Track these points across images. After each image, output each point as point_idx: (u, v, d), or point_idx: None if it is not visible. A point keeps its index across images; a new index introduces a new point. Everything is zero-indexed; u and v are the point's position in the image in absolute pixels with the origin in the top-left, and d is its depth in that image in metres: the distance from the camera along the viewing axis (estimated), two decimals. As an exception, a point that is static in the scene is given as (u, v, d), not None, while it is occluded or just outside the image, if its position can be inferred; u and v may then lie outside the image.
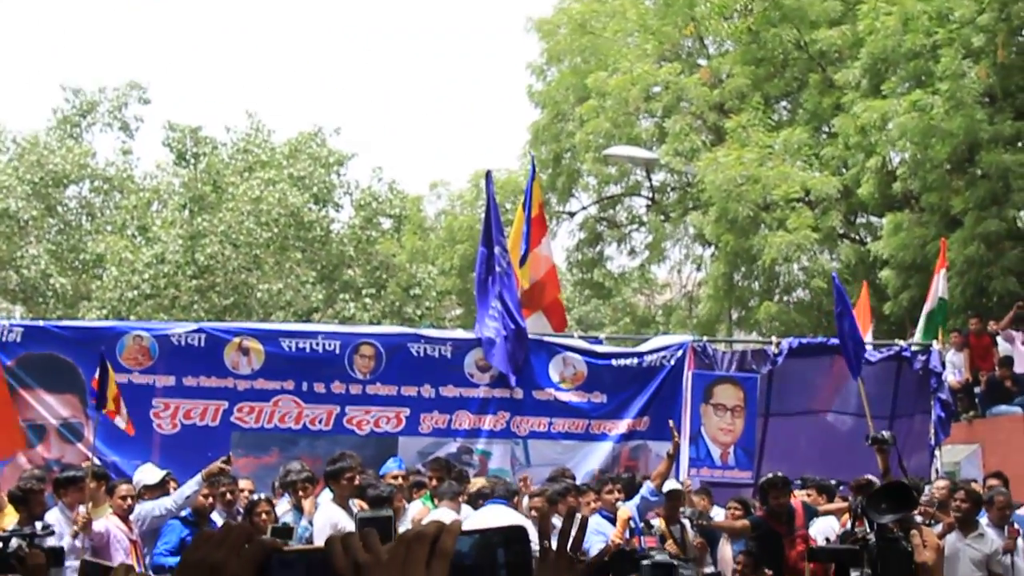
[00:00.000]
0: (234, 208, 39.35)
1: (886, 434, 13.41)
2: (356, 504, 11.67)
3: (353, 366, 15.69)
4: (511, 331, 15.78)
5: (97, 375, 13.12)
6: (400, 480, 13.48)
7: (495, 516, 11.36)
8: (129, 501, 12.37)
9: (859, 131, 26.71)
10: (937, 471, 17.00)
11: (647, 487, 13.67)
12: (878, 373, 17.23)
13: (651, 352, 16.74)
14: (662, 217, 33.77)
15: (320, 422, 15.51)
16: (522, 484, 14.42)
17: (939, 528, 12.44)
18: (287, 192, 39.73)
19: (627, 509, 13.24)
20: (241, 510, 12.86)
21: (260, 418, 15.42)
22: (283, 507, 13.02)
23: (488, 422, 15.89)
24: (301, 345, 15.73)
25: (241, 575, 2.01)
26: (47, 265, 40.03)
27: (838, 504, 14.60)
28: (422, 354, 15.97)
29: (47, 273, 39.89)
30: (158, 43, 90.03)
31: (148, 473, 13.07)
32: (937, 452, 17.44)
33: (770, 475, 13.69)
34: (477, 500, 12.87)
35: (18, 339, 15.22)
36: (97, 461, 13.17)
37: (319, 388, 15.59)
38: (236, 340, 15.57)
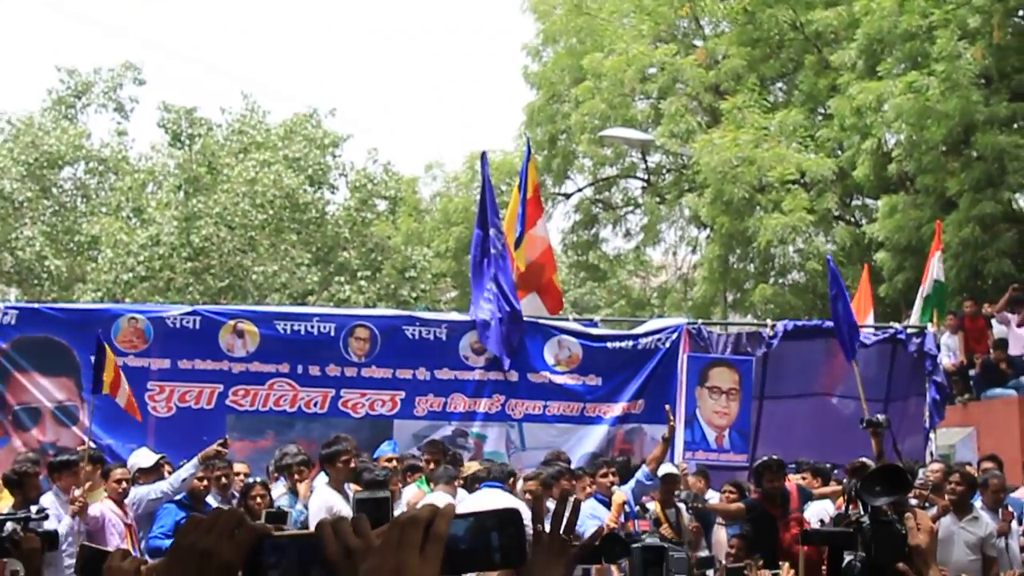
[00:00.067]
0: (229, 190, 39.31)
1: (881, 417, 13.44)
2: (351, 488, 11.67)
3: (348, 349, 15.68)
4: (506, 313, 15.77)
5: (94, 359, 13.13)
6: (394, 463, 13.48)
7: (490, 499, 11.38)
8: (124, 485, 12.36)
9: (855, 113, 26.71)
10: (932, 454, 17.02)
11: (642, 471, 13.69)
12: (873, 356, 17.25)
13: (646, 335, 16.73)
14: (657, 199, 33.73)
15: (315, 405, 15.50)
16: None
17: (933, 511, 12.44)
18: (282, 174, 39.68)
19: (622, 493, 13.26)
20: (236, 494, 12.87)
21: (255, 401, 15.41)
22: (279, 490, 13.03)
23: (483, 405, 15.88)
24: (296, 328, 15.72)
25: (232, 560, 2.01)
26: (42, 247, 39.98)
27: (833, 487, 14.63)
28: (417, 337, 15.96)
29: (42, 255, 39.84)
30: (153, 24, 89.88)
31: (143, 457, 13.07)
32: (932, 435, 17.45)
33: (764, 458, 13.71)
34: (473, 484, 12.89)
35: (13, 322, 15.18)
36: (92, 444, 13.17)
37: (314, 371, 15.57)
38: (231, 323, 15.55)
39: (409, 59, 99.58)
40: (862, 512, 5.19)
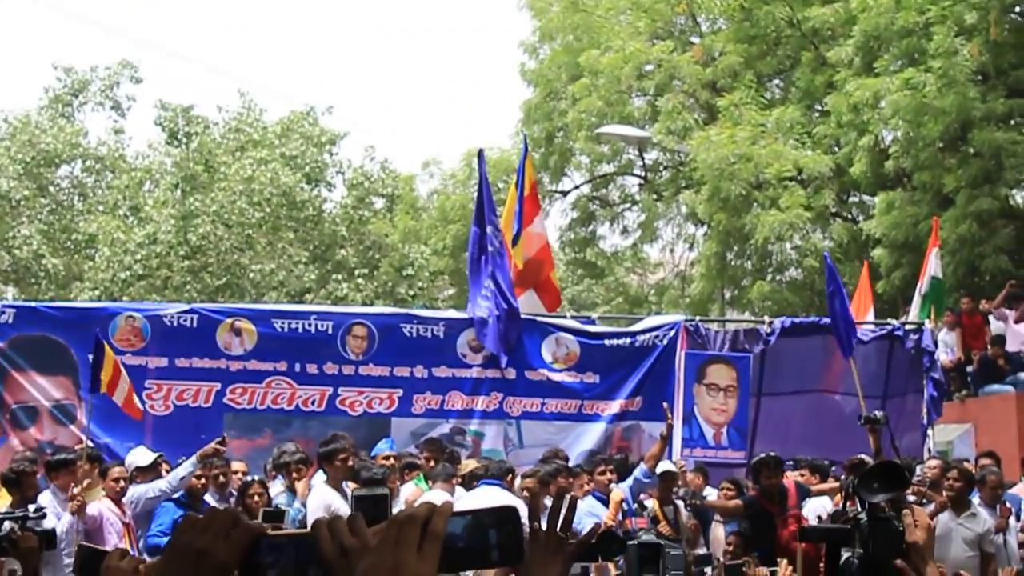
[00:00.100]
0: (226, 188, 39.29)
1: (878, 414, 13.44)
2: (349, 486, 11.67)
3: (346, 347, 15.69)
4: (503, 311, 15.77)
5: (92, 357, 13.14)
6: (392, 461, 13.47)
7: (488, 497, 11.38)
8: (122, 484, 12.36)
9: (851, 109, 26.70)
10: (929, 450, 17.03)
11: (640, 469, 13.69)
12: (870, 352, 17.26)
13: (644, 332, 16.73)
14: (654, 196, 33.73)
15: (313, 403, 15.51)
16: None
17: (931, 508, 12.45)
18: (279, 172, 39.66)
19: (620, 491, 13.27)
20: (234, 492, 12.88)
21: (253, 399, 15.41)
22: (276, 489, 13.04)
23: (481, 403, 15.88)
24: (294, 326, 15.72)
25: (227, 560, 2.01)
26: (39, 245, 39.93)
27: (831, 484, 14.64)
28: (415, 334, 15.96)
29: (39, 253, 39.80)
30: (150, 22, 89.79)
31: (140, 455, 13.06)
32: (929, 431, 17.46)
33: (762, 455, 13.72)
34: (471, 482, 12.89)
35: (10, 320, 15.19)
36: (90, 443, 13.16)
37: (312, 369, 15.57)
38: (228, 321, 15.55)
39: (406, 57, 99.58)
40: (859, 509, 5.19)
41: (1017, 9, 26.77)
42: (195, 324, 15.49)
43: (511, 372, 15.99)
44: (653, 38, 32.43)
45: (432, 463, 13.65)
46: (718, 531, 14.11)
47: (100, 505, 11.98)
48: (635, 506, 13.29)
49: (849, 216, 30.64)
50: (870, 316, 19.37)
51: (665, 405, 14.89)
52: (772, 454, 13.54)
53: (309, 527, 2.09)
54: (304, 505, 12.14)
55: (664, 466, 13.64)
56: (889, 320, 19.10)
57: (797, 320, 18.25)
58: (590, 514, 12.25)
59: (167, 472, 12.74)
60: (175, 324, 15.43)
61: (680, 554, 8.60)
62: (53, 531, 9.04)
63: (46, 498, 11.67)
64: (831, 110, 28.07)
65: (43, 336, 15.11)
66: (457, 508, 2.13)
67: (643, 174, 35.43)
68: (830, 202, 28.98)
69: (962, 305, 22.97)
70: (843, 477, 13.43)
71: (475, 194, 18.40)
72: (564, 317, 17.69)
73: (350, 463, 11.97)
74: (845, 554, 5.24)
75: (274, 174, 39.46)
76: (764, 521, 12.90)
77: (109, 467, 12.67)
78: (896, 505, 5.22)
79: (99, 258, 39.25)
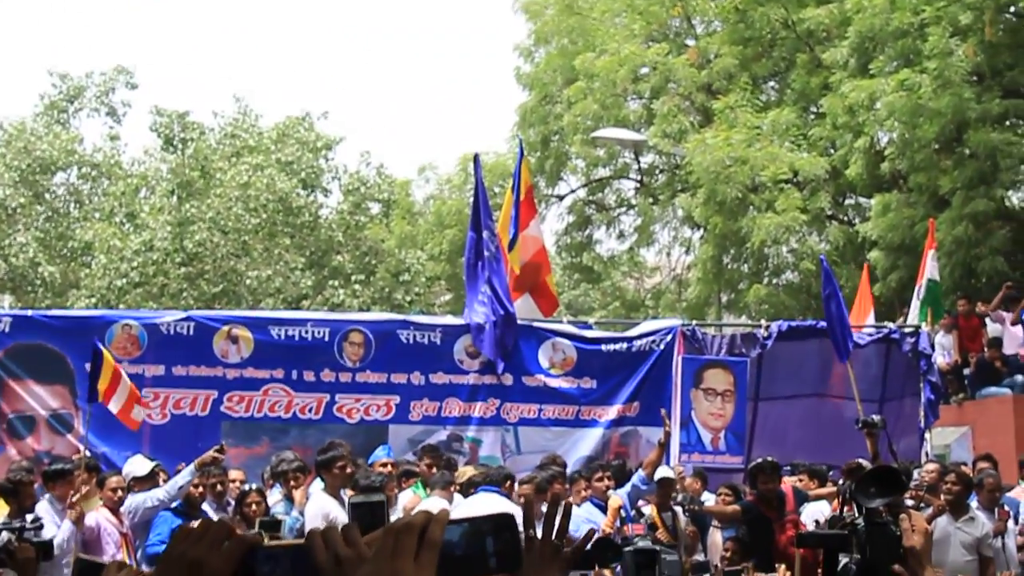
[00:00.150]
0: (222, 194, 39.27)
1: (876, 418, 13.43)
2: (347, 494, 11.65)
3: (342, 353, 15.68)
4: (500, 316, 15.77)
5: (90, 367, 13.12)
6: (389, 468, 13.46)
7: (485, 504, 11.35)
8: (119, 493, 12.34)
9: (847, 111, 26.71)
10: (927, 454, 17.04)
11: (638, 476, 13.68)
12: (867, 356, 17.27)
13: (640, 337, 16.73)
14: (651, 200, 33.71)
15: (310, 411, 15.50)
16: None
17: (929, 512, 12.45)
18: (275, 177, 39.63)
19: (618, 497, 13.25)
20: (231, 501, 12.85)
21: (250, 407, 15.40)
22: (274, 497, 13.01)
23: (478, 409, 15.88)
24: (290, 333, 15.72)
25: (221, 570, 2.01)
26: (35, 253, 39.89)
27: (829, 488, 14.62)
28: (411, 341, 15.96)
29: (35, 261, 39.76)
30: (145, 27, 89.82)
31: (138, 464, 13.02)
32: (927, 435, 17.47)
33: (759, 460, 13.71)
34: (468, 488, 12.88)
35: (6, 329, 15.19)
36: (88, 453, 13.15)
37: (309, 376, 15.57)
38: (225, 328, 15.55)
39: (401, 61, 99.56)
40: (857, 514, 5.20)
41: (1012, 9, 26.78)
42: (192, 332, 15.49)
43: (508, 378, 15.99)
44: (648, 41, 32.44)
45: (434, 470, 13.65)
46: (716, 537, 14.10)
47: (98, 515, 11.96)
48: (633, 513, 13.27)
49: (845, 218, 30.66)
50: (870, 319, 19.38)
51: (663, 412, 14.90)
52: (769, 459, 13.53)
53: (306, 536, 2.08)
54: (302, 514, 12.11)
55: (662, 472, 13.62)
56: (886, 323, 19.08)
57: (794, 324, 18.24)
58: (588, 521, 12.22)
59: (164, 481, 12.71)
60: (172, 332, 15.43)
61: (676, 560, 8.61)
62: (50, 542, 9.03)
63: (43, 508, 11.64)
64: (827, 112, 28.08)
65: (39, 345, 15.10)
66: (455, 515, 2.13)
67: (639, 178, 35.43)
68: (826, 205, 28.99)
69: (958, 307, 22.96)
70: (841, 482, 13.42)
71: (471, 199, 18.41)
72: (561, 322, 17.70)
73: (348, 471, 11.96)
74: (843, 559, 5.25)
75: (270, 180, 39.43)
76: (762, 526, 12.88)
77: (107, 477, 12.65)
78: (893, 510, 5.22)
79: (95, 265, 39.21)
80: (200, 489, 12.37)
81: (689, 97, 31.54)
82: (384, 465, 13.51)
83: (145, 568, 10.92)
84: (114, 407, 13.37)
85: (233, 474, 13.56)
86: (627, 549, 6.15)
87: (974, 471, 14.43)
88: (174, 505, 12.16)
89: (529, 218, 17.48)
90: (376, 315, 23.38)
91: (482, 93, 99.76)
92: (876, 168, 26.75)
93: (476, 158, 18.29)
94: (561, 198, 35.76)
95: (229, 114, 43.26)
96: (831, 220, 30.01)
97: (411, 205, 39.01)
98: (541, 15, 34.66)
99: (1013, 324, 22.23)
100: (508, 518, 2.18)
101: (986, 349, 22.22)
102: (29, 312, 17.10)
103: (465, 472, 13.71)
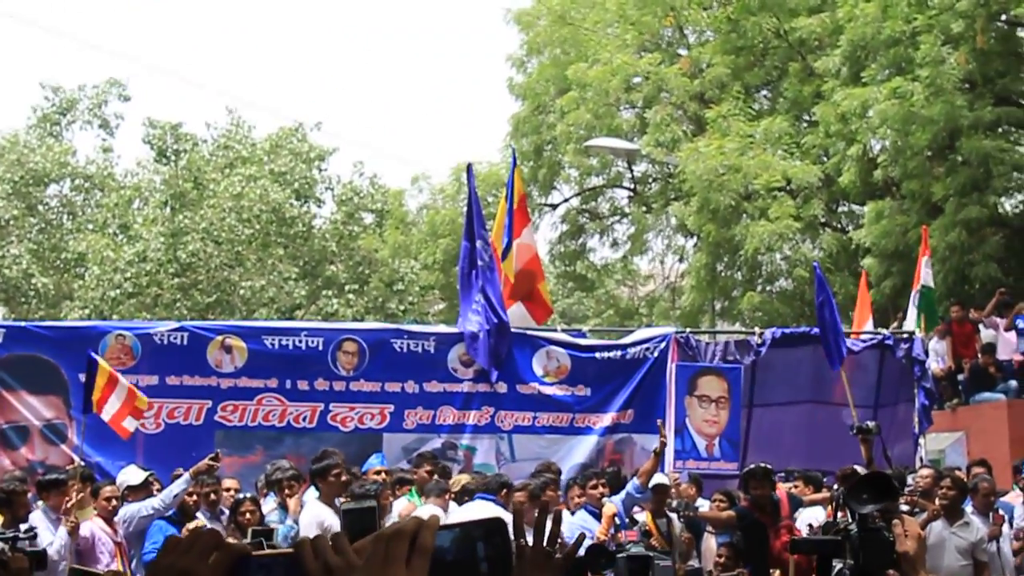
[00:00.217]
0: (215, 205, 39.26)
1: (870, 424, 13.43)
2: (341, 502, 11.63)
3: (336, 363, 15.68)
4: (494, 325, 15.76)
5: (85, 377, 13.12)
6: (383, 476, 13.45)
7: (479, 512, 11.34)
8: (114, 503, 12.33)
9: (840, 119, 26.74)
10: (921, 459, 17.05)
11: (632, 484, 13.66)
12: (861, 362, 17.27)
13: (634, 344, 16.73)
14: (644, 208, 33.74)
15: (304, 420, 15.49)
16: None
17: (923, 517, 12.45)
18: (268, 188, 39.63)
19: (612, 505, 13.24)
20: (225, 509, 12.84)
21: (244, 416, 15.39)
22: (269, 506, 13.00)
23: (472, 417, 15.88)
24: (284, 342, 15.71)
25: (210, 580, 2.00)
26: (28, 265, 39.87)
27: (824, 494, 14.63)
28: (405, 350, 15.96)
29: (29, 273, 39.74)
30: (138, 40, 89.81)
31: (132, 474, 13.01)
32: (921, 440, 17.48)
33: (752, 466, 13.72)
34: (462, 496, 12.87)
35: (0, 340, 15.17)
36: (81, 463, 13.13)
37: (303, 385, 15.56)
38: (219, 338, 15.55)
39: (394, 72, 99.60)
40: (850, 520, 5.20)
41: (1003, 17, 26.81)
42: (185, 342, 15.49)
43: (502, 386, 15.98)
44: (641, 51, 32.45)
45: (435, 477, 13.63)
46: (710, 543, 14.10)
47: (92, 525, 11.95)
48: (627, 520, 13.26)
49: (838, 226, 30.69)
50: (868, 325, 19.41)
51: (660, 422, 14.90)
52: (761, 465, 13.53)
53: (295, 545, 2.08)
54: (296, 522, 12.10)
55: (657, 479, 13.62)
56: (880, 330, 19.10)
57: (788, 330, 18.26)
58: (583, 528, 12.22)
59: (158, 491, 12.70)
60: (165, 342, 15.43)
61: (670, 566, 8.61)
62: (44, 551, 9.02)
63: (37, 517, 11.63)
64: (819, 120, 28.12)
65: (33, 356, 15.10)
66: (444, 522, 2.13)
67: (632, 186, 35.45)
68: (819, 212, 29.02)
69: (952, 314, 22.97)
70: (835, 487, 13.42)
71: (464, 208, 18.40)
72: (555, 330, 17.69)
73: (343, 479, 11.94)
74: (837, 565, 5.25)
75: (263, 190, 39.43)
76: (757, 532, 12.88)
77: (101, 486, 12.64)
78: (886, 515, 5.23)
79: (89, 277, 39.18)
80: (194, 498, 12.37)
81: (682, 106, 31.56)
82: (378, 473, 13.50)
83: (142, 577, 10.92)
84: (106, 415, 13.34)
85: (227, 483, 13.53)
86: (620, 555, 6.15)
87: (968, 476, 14.43)
88: (168, 514, 12.15)
89: (522, 226, 17.47)
90: (370, 324, 23.37)
91: (475, 103, 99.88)
92: (869, 175, 26.79)
93: (469, 168, 18.29)
94: (554, 207, 35.76)
95: (222, 125, 43.34)
96: (824, 227, 30.05)
97: (404, 215, 38.99)
98: (534, 26, 34.67)
99: (1007, 330, 22.26)
100: (498, 523, 2.18)
101: (980, 355, 22.25)
102: (23, 323, 17.09)
103: (460, 480, 13.70)
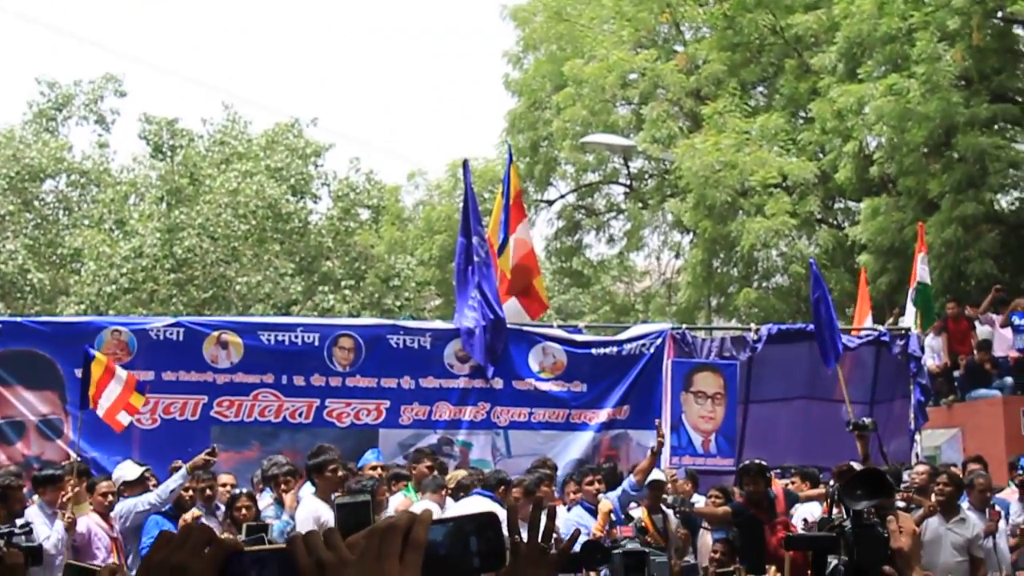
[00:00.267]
0: (211, 201, 39.22)
1: (867, 420, 13.45)
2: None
3: (332, 358, 15.68)
4: (490, 321, 15.76)
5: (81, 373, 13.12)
6: (379, 471, 13.45)
7: (474, 507, 11.34)
8: (110, 498, 12.34)
9: (836, 116, 26.76)
10: (917, 456, 17.06)
11: (628, 482, 13.64)
12: (857, 359, 17.28)
13: (630, 340, 16.74)
14: (640, 204, 33.75)
15: (300, 415, 15.49)
16: None
17: (919, 513, 12.45)
18: (264, 184, 39.60)
19: (608, 501, 13.23)
20: (221, 505, 12.85)
21: (240, 412, 15.39)
22: (265, 501, 13.00)
23: (468, 413, 15.88)
24: (280, 338, 15.71)
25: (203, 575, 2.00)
26: (24, 260, 39.81)
27: (821, 490, 14.63)
28: (401, 345, 15.97)
29: (24, 268, 39.68)
30: (133, 35, 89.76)
31: (127, 469, 13.03)
32: (917, 437, 17.50)
33: (746, 462, 13.72)
34: (458, 492, 12.88)
35: (-4, 335, 15.19)
36: (77, 458, 13.14)
37: (299, 381, 15.56)
38: (215, 334, 15.54)
39: (390, 68, 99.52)
40: (845, 516, 5.20)
41: (999, 14, 26.81)
42: (181, 337, 15.48)
43: (498, 382, 15.99)
44: (637, 47, 32.45)
45: (435, 472, 13.63)
46: (706, 539, 14.10)
47: (88, 520, 11.96)
48: (623, 517, 13.26)
49: (834, 222, 30.69)
50: (868, 322, 19.44)
51: (658, 421, 14.91)
52: (755, 461, 13.53)
53: (287, 541, 2.08)
54: (292, 517, 12.10)
55: (653, 475, 13.61)
56: (876, 326, 19.11)
57: (784, 327, 18.26)
58: (578, 524, 12.22)
59: (154, 486, 12.71)
60: (161, 338, 15.42)
61: (665, 562, 8.61)
62: (39, 547, 9.02)
63: (34, 512, 11.64)
64: (815, 117, 28.13)
65: (29, 351, 15.09)
66: (437, 516, 2.13)
67: (628, 183, 35.46)
68: (815, 208, 29.03)
69: (948, 310, 22.97)
70: (831, 484, 13.43)
71: (460, 204, 18.41)
72: (551, 326, 17.70)
73: (340, 474, 11.95)
74: (832, 561, 5.25)
75: (259, 186, 39.40)
76: (753, 528, 12.88)
77: (97, 481, 12.65)
78: (881, 511, 5.22)
79: (85, 272, 39.14)
80: (190, 493, 12.38)
81: (678, 103, 31.56)
82: (374, 468, 13.50)
83: (137, 573, 10.90)
84: (101, 409, 13.34)
85: (224, 478, 13.56)
86: (616, 551, 6.15)
87: (964, 473, 14.45)
88: (165, 509, 12.16)
89: (518, 222, 17.47)
90: (366, 320, 23.35)
91: (471, 99, 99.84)
92: (865, 172, 26.80)
93: (465, 164, 18.30)
94: (551, 203, 35.79)
95: (218, 121, 43.29)
96: (820, 224, 30.07)
97: (400, 211, 39.02)
98: (530, 22, 34.68)
99: (1002, 326, 22.26)
100: (491, 517, 2.19)
101: (976, 351, 22.25)
102: (19, 319, 17.08)
103: (456, 476, 13.71)
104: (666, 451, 15.43)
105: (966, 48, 25.27)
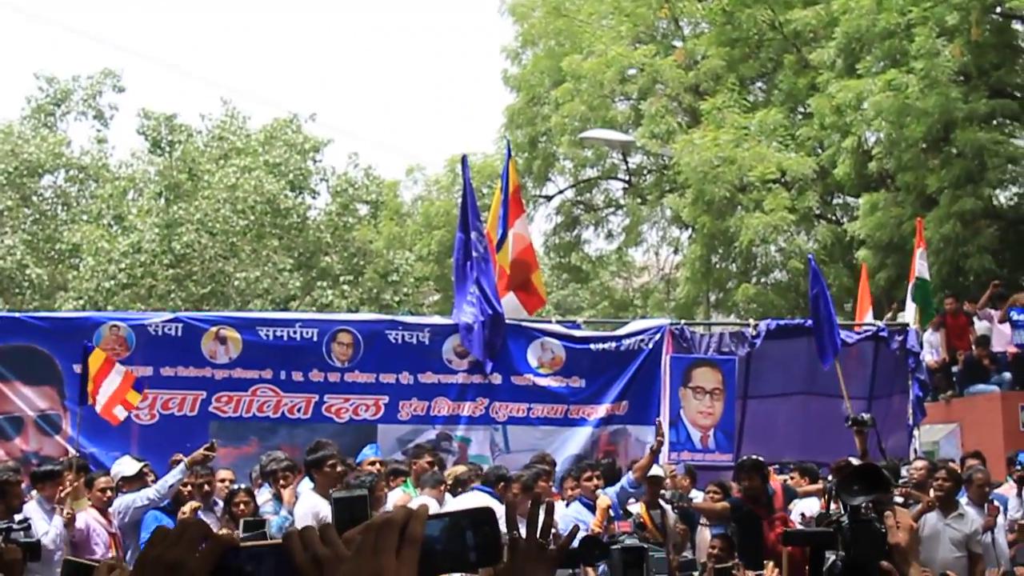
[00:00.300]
0: (210, 196, 39.20)
1: (866, 416, 13.46)
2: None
3: (331, 354, 15.67)
4: (488, 316, 15.76)
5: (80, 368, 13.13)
6: (378, 467, 13.45)
7: (471, 502, 11.34)
8: (108, 494, 12.34)
9: (834, 111, 26.74)
10: (915, 451, 17.08)
11: (627, 479, 13.65)
12: (856, 354, 17.29)
13: (629, 336, 16.74)
14: (639, 200, 33.73)
15: (299, 411, 15.49)
16: None
17: (917, 508, 12.46)
18: (263, 179, 39.57)
19: (607, 497, 13.23)
20: (219, 500, 12.85)
21: (238, 407, 15.39)
22: (263, 496, 12.99)
23: (467, 408, 15.88)
24: (279, 333, 15.70)
25: (199, 572, 2.00)
26: (23, 255, 39.79)
27: (819, 486, 14.65)
28: (400, 341, 15.95)
29: (23, 264, 39.66)
30: (132, 30, 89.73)
31: (126, 465, 13.02)
32: (915, 432, 17.51)
33: (743, 458, 13.73)
34: (456, 487, 12.88)
35: (-5, 331, 15.18)
36: (75, 453, 13.14)
37: (297, 376, 15.56)
38: (213, 329, 15.53)
39: (388, 63, 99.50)
40: (842, 511, 5.19)
41: (998, 10, 26.82)
42: (180, 333, 15.46)
43: (497, 377, 15.99)
44: (635, 42, 32.44)
45: (438, 468, 13.62)
46: (705, 534, 14.10)
47: (87, 516, 11.96)
48: (621, 512, 13.27)
49: (833, 218, 30.70)
50: (869, 317, 19.44)
51: (659, 421, 14.92)
52: (752, 457, 13.53)
53: (283, 537, 2.08)
54: (291, 513, 12.10)
55: (651, 469, 13.61)
56: (874, 321, 19.12)
57: (782, 322, 18.28)
58: (577, 519, 12.22)
59: (153, 481, 12.71)
60: (160, 333, 15.40)
61: (664, 558, 8.60)
62: (37, 542, 9.01)
63: (32, 508, 11.63)
64: (814, 112, 28.11)
65: (28, 346, 15.08)
66: (437, 511, 2.13)
67: (627, 178, 35.43)
68: (814, 204, 29.02)
69: (946, 306, 22.98)
70: (830, 478, 13.44)
71: (459, 200, 18.40)
72: (549, 322, 17.72)
73: (339, 470, 11.96)
74: (831, 557, 5.25)
75: (258, 182, 39.38)
76: (751, 524, 12.89)
77: (95, 477, 12.65)
78: (879, 507, 5.23)
79: (83, 268, 39.12)
80: (189, 488, 12.38)
81: (677, 98, 31.55)
82: (372, 464, 13.51)
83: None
84: (99, 405, 13.35)
85: (222, 473, 13.56)
86: (614, 547, 6.13)
87: (962, 468, 14.46)
88: (163, 504, 12.16)
89: (516, 216, 17.47)
90: (364, 316, 23.39)
91: (470, 95, 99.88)
92: (864, 168, 26.79)
93: (464, 159, 18.30)
94: (549, 199, 35.77)
95: (216, 116, 43.24)
96: (819, 219, 30.07)
97: (399, 206, 38.98)
98: (528, 17, 34.65)
99: (1001, 322, 22.26)
100: (487, 512, 2.19)
101: (974, 347, 22.25)
102: (17, 314, 17.07)
103: (454, 472, 13.71)
104: (665, 447, 15.43)
105: (965, 43, 25.27)
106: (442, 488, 12.81)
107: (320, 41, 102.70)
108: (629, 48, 31.68)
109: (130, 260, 38.25)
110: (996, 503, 13.60)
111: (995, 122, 26.26)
